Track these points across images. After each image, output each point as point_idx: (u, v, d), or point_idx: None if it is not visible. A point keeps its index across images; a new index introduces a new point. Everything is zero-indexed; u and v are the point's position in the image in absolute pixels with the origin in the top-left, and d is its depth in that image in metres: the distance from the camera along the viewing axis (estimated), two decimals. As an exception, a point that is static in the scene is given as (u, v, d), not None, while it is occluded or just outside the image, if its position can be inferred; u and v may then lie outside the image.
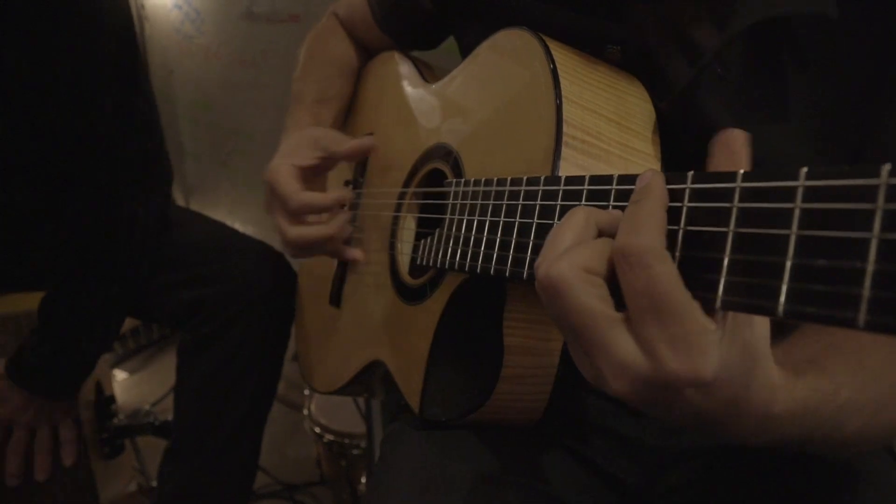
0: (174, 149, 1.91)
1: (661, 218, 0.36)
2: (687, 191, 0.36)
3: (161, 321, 1.18)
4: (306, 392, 1.61)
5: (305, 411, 1.56)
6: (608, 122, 0.54)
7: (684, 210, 0.36)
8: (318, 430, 1.51)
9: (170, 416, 1.22)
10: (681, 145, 0.54)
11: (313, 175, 0.82)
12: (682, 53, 0.58)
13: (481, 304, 0.58)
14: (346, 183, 0.95)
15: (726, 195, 0.33)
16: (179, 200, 2.00)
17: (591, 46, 0.61)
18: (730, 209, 0.33)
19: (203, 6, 1.76)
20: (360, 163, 0.93)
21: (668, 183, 0.37)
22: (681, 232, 0.36)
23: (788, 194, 0.31)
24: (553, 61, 0.55)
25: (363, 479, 1.50)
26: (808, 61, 0.53)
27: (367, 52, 1.01)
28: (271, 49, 1.68)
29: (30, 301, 1.07)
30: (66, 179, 1.03)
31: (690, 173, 0.36)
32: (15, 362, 1.01)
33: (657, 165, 0.55)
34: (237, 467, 1.18)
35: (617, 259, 0.35)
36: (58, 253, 1.06)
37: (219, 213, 1.96)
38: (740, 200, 0.33)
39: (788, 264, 0.30)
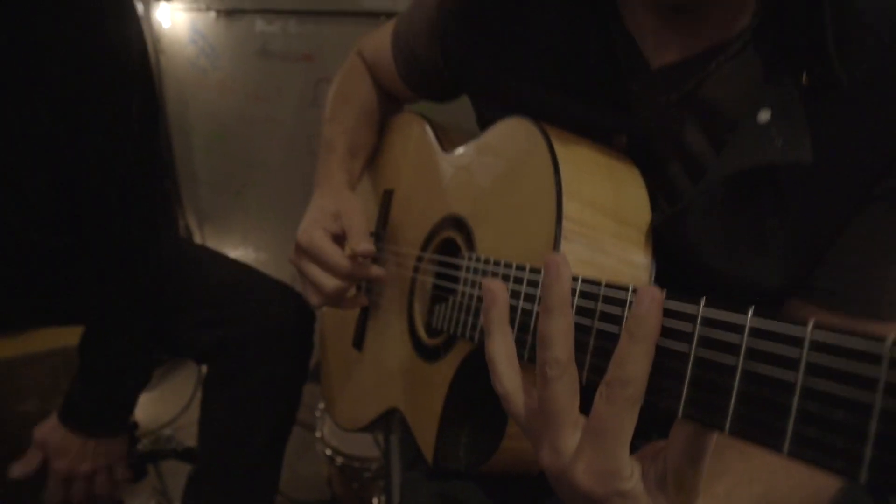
0: (189, 178, 1.98)
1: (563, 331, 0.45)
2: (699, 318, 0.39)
3: (189, 356, 1.25)
4: (318, 414, 1.68)
5: (318, 433, 1.63)
6: (605, 215, 0.61)
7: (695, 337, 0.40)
8: (329, 452, 1.58)
9: (185, 437, 1.29)
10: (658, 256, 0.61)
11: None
12: (678, 158, 0.65)
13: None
14: (370, 234, 1.02)
15: (736, 328, 0.37)
16: (193, 227, 2.07)
17: (599, 135, 0.68)
18: (739, 346, 0.37)
19: (218, 42, 1.84)
20: (383, 216, 1.00)
21: (679, 303, 0.41)
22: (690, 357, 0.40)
23: (797, 342, 0.34)
24: (555, 157, 0.62)
25: (375, 501, 1.57)
26: (788, 202, 0.60)
27: (389, 97, 1.08)
28: (284, 85, 1.75)
29: (65, 336, 1.14)
30: (95, 218, 1.10)
31: (703, 299, 0.40)
32: (67, 411, 1.06)
33: (648, 254, 0.61)
34: (258, 493, 1.25)
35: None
36: (89, 291, 1.13)
37: (232, 240, 2.03)
38: (750, 335, 0.37)
39: (793, 407, 0.33)
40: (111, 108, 1.04)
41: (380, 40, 1.03)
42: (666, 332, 0.41)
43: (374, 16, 1.52)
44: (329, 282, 0.86)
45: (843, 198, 0.59)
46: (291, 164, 1.81)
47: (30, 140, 1.03)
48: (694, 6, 0.61)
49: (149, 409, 2.20)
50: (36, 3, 0.96)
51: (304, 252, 0.88)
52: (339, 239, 0.89)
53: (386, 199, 1.00)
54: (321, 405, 1.69)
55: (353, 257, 0.85)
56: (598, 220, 0.61)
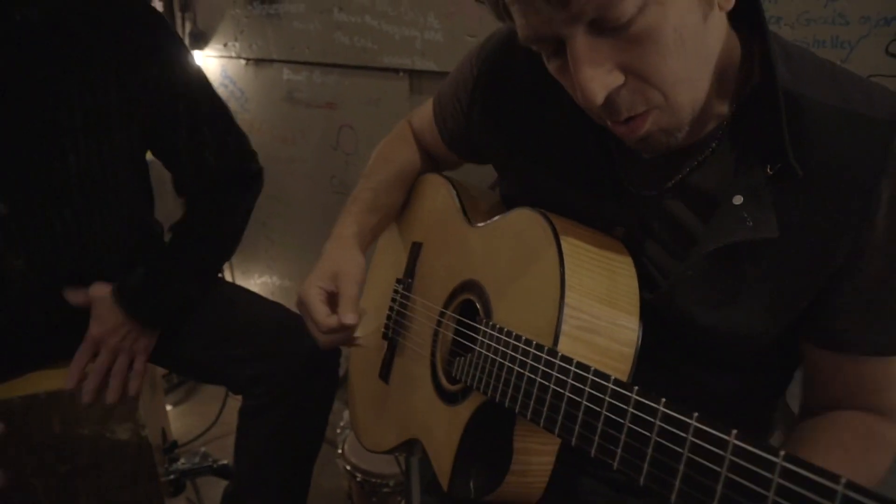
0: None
1: None
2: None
3: (225, 386, 1.39)
4: (339, 431, 1.82)
5: (339, 450, 1.76)
6: (601, 303, 0.75)
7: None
8: (349, 468, 1.72)
9: (215, 449, 1.43)
10: (654, 335, 0.75)
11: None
12: (671, 233, 0.78)
13: (499, 416, 0.80)
14: (398, 281, 1.15)
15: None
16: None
17: (601, 224, 0.82)
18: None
19: (247, 87, 1.99)
20: (411, 266, 1.13)
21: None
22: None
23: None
24: (561, 253, 0.75)
25: (393, 514, 1.70)
26: (763, 266, 0.73)
27: (432, 161, 1.19)
28: (309, 129, 1.90)
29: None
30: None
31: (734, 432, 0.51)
32: (123, 287, 1.20)
33: (635, 332, 0.74)
34: (287, 509, 1.39)
35: None
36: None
37: (258, 268, 2.18)
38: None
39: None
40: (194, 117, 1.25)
41: (426, 109, 1.14)
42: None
43: (394, 71, 1.66)
44: (318, 335, 0.99)
45: (808, 260, 0.72)
46: (314, 201, 1.95)
47: (130, 165, 1.23)
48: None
49: (179, 422, 2.34)
50: (135, 52, 1.15)
51: (301, 304, 1.01)
52: (335, 297, 1.01)
53: (414, 251, 1.14)
54: (342, 423, 1.83)
55: (339, 323, 0.97)
56: (593, 306, 0.74)
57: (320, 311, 0.98)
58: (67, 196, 1.16)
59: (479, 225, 0.98)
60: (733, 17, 0.70)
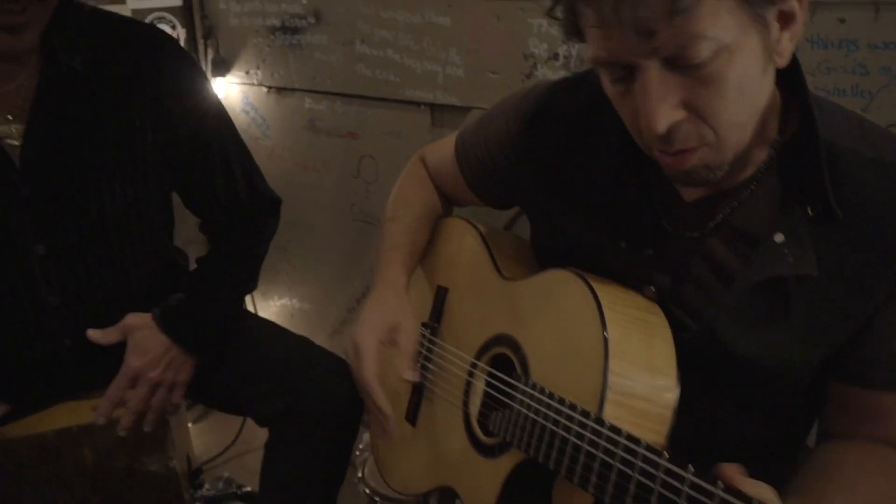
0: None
1: None
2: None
3: (252, 418, 1.42)
4: (357, 453, 1.85)
5: (359, 473, 1.79)
6: (641, 367, 0.78)
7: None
8: (368, 491, 1.75)
9: (233, 469, 1.45)
10: (697, 368, 0.78)
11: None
12: (708, 284, 0.82)
13: (538, 473, 0.83)
14: (424, 325, 1.18)
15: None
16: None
17: (633, 282, 0.86)
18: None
19: (269, 114, 2.02)
20: (437, 311, 1.16)
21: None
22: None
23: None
24: (604, 320, 0.78)
25: (412, 539, 1.73)
26: (801, 301, 0.77)
27: (448, 199, 1.22)
28: (330, 158, 1.93)
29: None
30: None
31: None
32: (166, 311, 1.20)
33: (676, 395, 0.78)
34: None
35: None
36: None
37: (278, 290, 2.21)
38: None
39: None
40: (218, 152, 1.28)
41: (444, 151, 1.17)
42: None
43: (415, 104, 1.69)
44: (366, 389, 1.05)
45: (846, 299, 0.76)
46: (334, 227, 1.98)
47: (160, 202, 1.26)
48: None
49: (198, 439, 2.36)
50: (170, 97, 1.19)
51: (356, 352, 1.05)
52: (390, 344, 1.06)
53: (440, 296, 1.16)
54: (361, 445, 1.86)
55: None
56: (634, 371, 0.77)
57: (370, 368, 1.02)
58: (102, 235, 1.19)
59: (513, 279, 1.00)
60: (777, 70, 0.75)
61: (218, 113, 1.29)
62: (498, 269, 1.06)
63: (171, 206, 1.34)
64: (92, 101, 1.14)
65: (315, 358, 1.38)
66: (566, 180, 0.93)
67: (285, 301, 2.21)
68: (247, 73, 2.02)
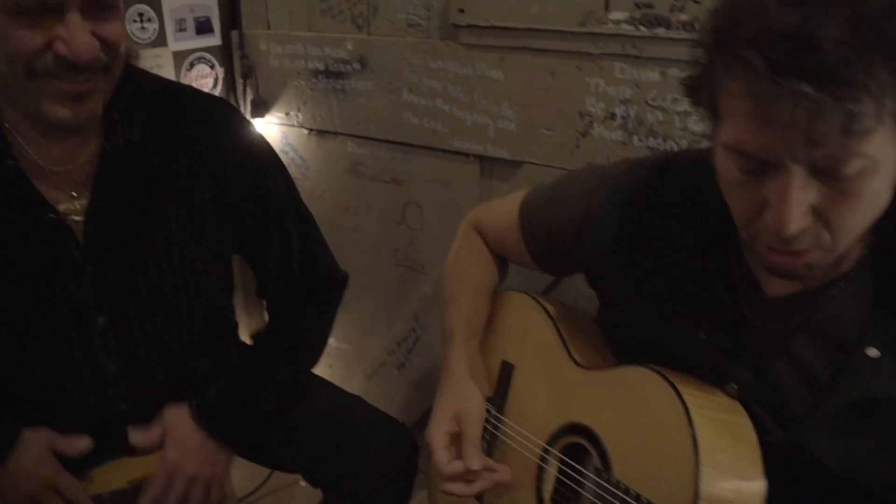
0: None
1: None
2: None
3: (305, 479, 1.41)
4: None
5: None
6: (730, 473, 0.78)
7: None
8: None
9: None
10: (783, 476, 0.77)
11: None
12: (791, 373, 0.80)
13: None
14: (489, 399, 1.17)
15: None
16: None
17: (712, 376, 0.84)
18: None
19: (309, 156, 2.00)
20: (502, 387, 1.15)
21: None
22: None
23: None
24: (693, 427, 0.78)
25: None
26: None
27: (503, 260, 1.22)
28: (372, 202, 1.91)
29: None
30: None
31: None
32: (203, 404, 1.20)
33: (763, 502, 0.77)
34: None
35: None
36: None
37: (315, 330, 2.19)
38: None
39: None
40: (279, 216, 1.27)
41: (503, 219, 1.17)
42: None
43: (464, 155, 1.68)
44: (443, 482, 1.05)
45: None
46: (375, 271, 1.96)
47: (220, 269, 1.25)
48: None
49: (234, 473, 2.35)
50: (230, 168, 1.18)
51: (428, 447, 1.06)
52: (458, 436, 1.06)
53: (506, 372, 1.15)
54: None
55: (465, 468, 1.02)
56: (723, 478, 0.78)
57: (443, 458, 1.01)
58: (161, 305, 1.19)
59: (589, 369, 0.99)
60: None
61: (280, 181, 1.28)
62: (571, 354, 1.05)
63: (232, 272, 1.33)
64: (151, 173, 1.13)
65: (373, 420, 1.37)
66: (645, 265, 0.93)
67: (322, 340, 2.20)
68: (287, 114, 2.00)
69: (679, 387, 0.82)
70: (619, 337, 1.04)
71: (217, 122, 1.20)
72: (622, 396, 0.91)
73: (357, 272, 2.00)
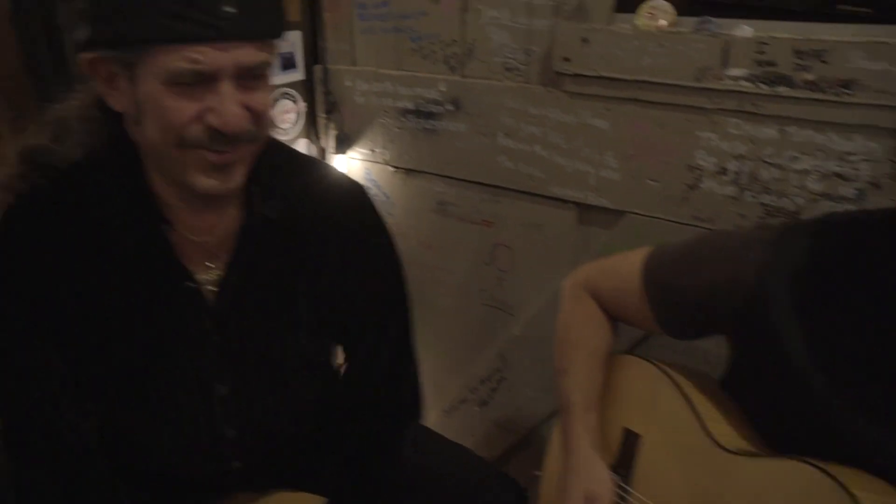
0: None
1: None
2: None
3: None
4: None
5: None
6: None
7: None
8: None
9: None
10: None
11: None
12: None
13: None
14: (614, 471, 1.16)
15: None
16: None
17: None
18: None
19: (393, 193, 2.00)
20: (626, 458, 1.14)
21: None
22: None
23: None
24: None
25: None
26: None
27: (617, 325, 1.19)
28: (459, 242, 1.91)
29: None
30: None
31: None
32: None
33: None
34: None
35: None
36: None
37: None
38: None
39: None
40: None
41: (621, 281, 1.13)
42: None
43: (561, 201, 1.67)
44: None
45: None
46: (460, 310, 1.96)
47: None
48: None
49: None
50: (359, 252, 1.19)
51: None
52: None
53: (630, 441, 1.14)
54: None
55: None
56: None
57: None
58: (281, 377, 1.20)
59: (735, 454, 0.97)
60: None
61: (399, 281, 1.28)
62: (709, 432, 1.03)
63: None
64: (284, 251, 1.14)
65: (485, 477, 1.36)
66: (841, 338, 0.88)
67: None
68: (372, 150, 2.01)
69: (855, 492, 0.79)
70: (766, 408, 1.01)
71: (348, 207, 1.20)
72: (784, 494, 0.89)
73: (439, 310, 2.01)
